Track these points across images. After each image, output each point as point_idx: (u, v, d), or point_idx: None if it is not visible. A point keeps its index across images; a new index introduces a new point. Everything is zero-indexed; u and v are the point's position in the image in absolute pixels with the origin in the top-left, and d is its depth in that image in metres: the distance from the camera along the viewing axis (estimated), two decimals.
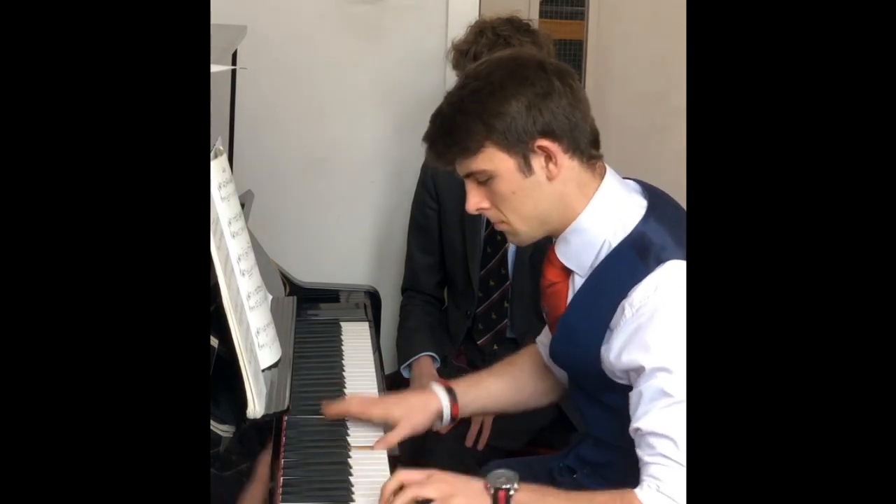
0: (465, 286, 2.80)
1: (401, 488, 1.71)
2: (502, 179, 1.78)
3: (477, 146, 1.77)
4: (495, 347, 2.75)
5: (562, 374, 2.02)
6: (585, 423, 1.99)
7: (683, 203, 1.45)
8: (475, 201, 1.82)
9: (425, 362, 2.72)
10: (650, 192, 1.86)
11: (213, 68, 1.63)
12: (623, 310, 1.75)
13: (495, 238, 2.74)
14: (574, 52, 4.08)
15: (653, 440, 1.69)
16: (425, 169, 2.87)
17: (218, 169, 1.95)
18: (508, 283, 2.75)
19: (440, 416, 2.03)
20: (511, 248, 2.74)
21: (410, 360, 2.74)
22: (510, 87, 1.76)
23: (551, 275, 1.88)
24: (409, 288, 2.92)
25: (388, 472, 1.83)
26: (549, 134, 1.76)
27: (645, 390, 1.71)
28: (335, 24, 3.14)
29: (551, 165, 1.77)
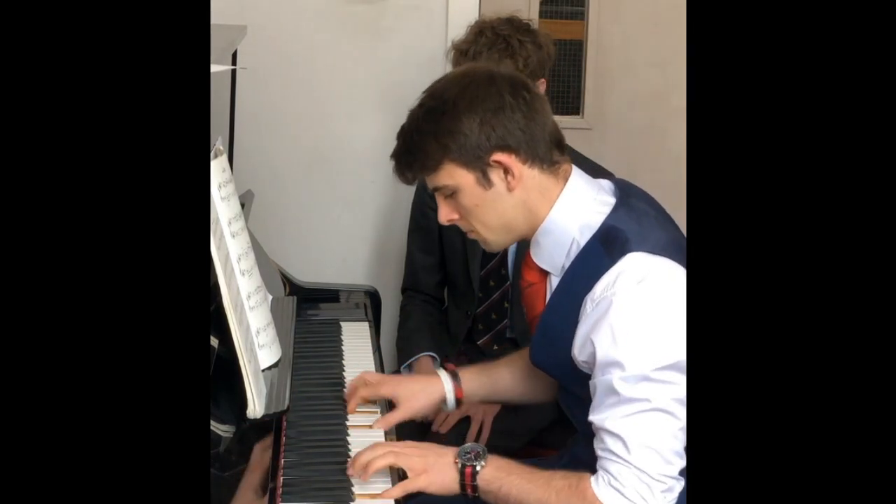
0: (465, 286, 2.80)
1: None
2: (465, 193, 1.82)
3: (435, 164, 1.82)
4: (495, 348, 2.75)
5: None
6: (576, 422, 2.00)
7: (684, 203, 1.45)
8: (445, 213, 1.87)
9: (425, 362, 2.72)
10: (622, 189, 1.88)
11: (213, 68, 1.63)
12: (586, 304, 1.77)
13: None
14: (574, 52, 4.08)
15: (604, 436, 1.74)
16: None
17: (218, 169, 1.95)
18: (508, 283, 2.75)
19: (443, 400, 2.07)
20: (511, 249, 2.73)
21: (410, 361, 2.74)
22: (462, 105, 1.80)
23: (529, 276, 1.92)
24: (409, 288, 2.92)
25: (387, 473, 1.83)
26: (504, 148, 1.80)
27: (598, 384, 1.75)
28: (335, 24, 3.14)
29: (509, 177, 1.81)
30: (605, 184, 1.90)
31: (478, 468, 1.78)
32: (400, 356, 2.82)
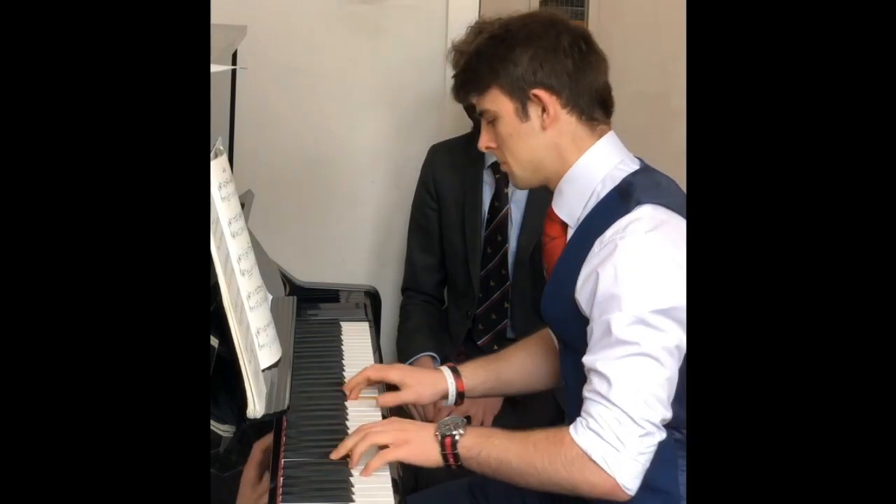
0: (465, 286, 2.80)
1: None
2: (503, 121, 1.93)
3: (484, 87, 1.93)
4: (495, 348, 2.75)
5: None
6: (568, 395, 2.00)
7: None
8: (485, 139, 1.98)
9: (426, 362, 2.72)
10: (644, 164, 1.96)
11: (213, 68, 1.63)
12: (595, 244, 1.83)
13: (495, 238, 2.74)
14: None
15: (593, 377, 1.78)
16: (425, 169, 2.87)
17: (218, 169, 1.95)
18: (508, 283, 2.75)
19: (445, 395, 2.11)
20: (511, 249, 2.74)
21: (411, 361, 2.74)
22: (520, 38, 1.92)
23: (550, 230, 1.97)
24: (409, 288, 2.92)
25: (387, 473, 1.83)
26: (547, 86, 1.90)
27: (596, 326, 1.79)
28: (335, 24, 3.14)
29: (545, 115, 1.90)
30: (633, 157, 1.97)
31: (457, 437, 1.82)
32: (400, 356, 2.82)
